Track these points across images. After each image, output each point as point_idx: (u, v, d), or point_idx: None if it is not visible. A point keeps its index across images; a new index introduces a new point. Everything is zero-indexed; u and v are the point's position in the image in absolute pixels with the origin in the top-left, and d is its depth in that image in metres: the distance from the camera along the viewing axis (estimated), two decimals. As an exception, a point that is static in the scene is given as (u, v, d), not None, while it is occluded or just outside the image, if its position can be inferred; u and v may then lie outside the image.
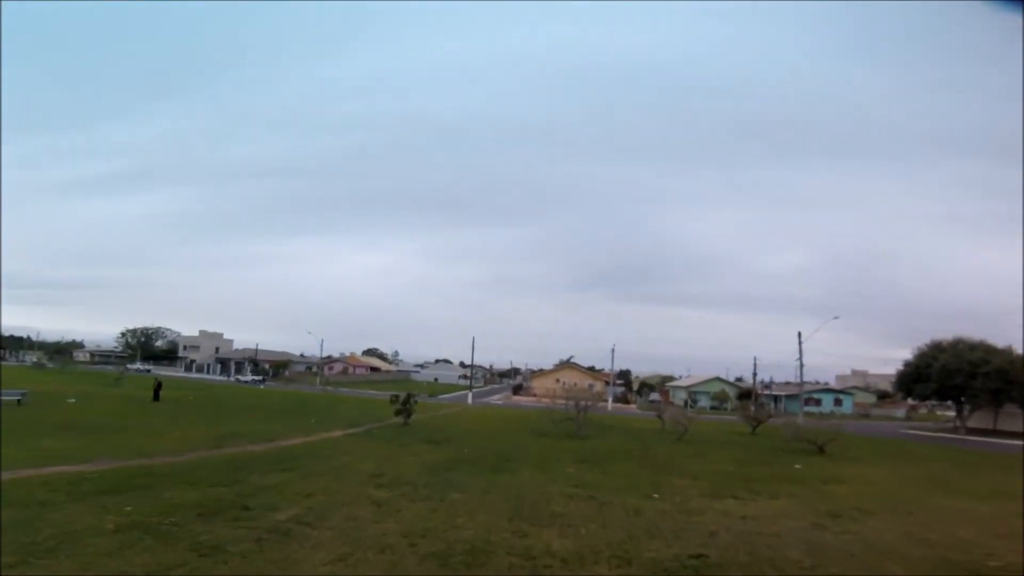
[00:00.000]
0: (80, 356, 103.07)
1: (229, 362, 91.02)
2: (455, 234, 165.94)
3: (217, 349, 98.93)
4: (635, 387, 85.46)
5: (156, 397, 32.87)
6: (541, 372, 70.39)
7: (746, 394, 63.48)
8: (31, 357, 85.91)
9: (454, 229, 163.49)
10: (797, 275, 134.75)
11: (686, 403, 61.03)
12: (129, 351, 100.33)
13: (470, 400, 47.04)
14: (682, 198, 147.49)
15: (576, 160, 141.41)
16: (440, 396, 56.72)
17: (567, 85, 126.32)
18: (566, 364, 68.37)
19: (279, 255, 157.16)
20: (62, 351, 79.62)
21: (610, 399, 55.59)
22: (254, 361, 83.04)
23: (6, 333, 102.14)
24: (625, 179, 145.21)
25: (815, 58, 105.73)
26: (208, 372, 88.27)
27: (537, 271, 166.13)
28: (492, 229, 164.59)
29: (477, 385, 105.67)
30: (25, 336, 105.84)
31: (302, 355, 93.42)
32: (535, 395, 60.42)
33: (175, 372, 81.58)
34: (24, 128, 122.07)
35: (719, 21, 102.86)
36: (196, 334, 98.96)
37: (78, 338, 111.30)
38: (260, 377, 71.01)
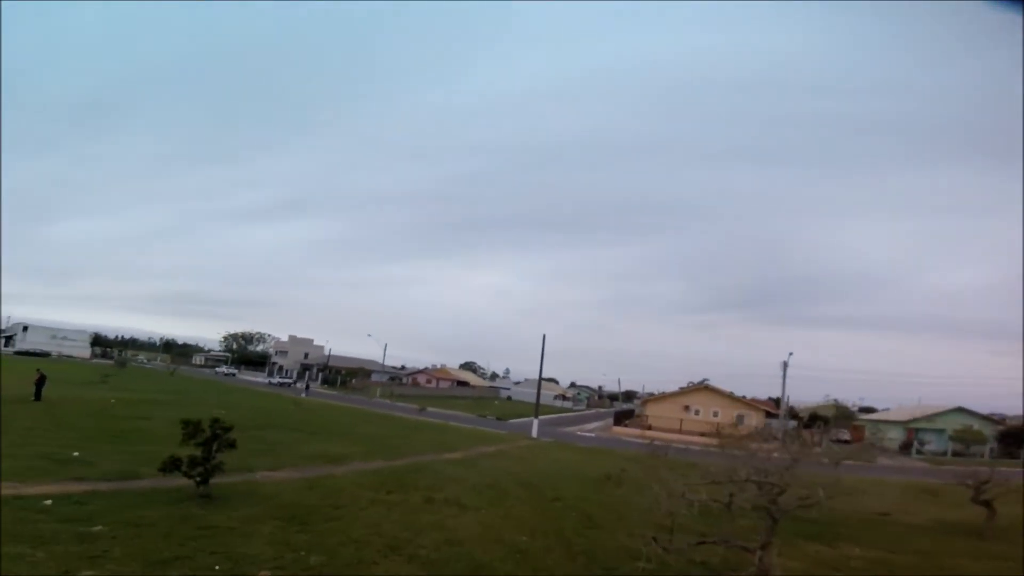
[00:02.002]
0: (196, 359, 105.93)
1: (312, 368, 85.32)
2: (572, 253, 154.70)
3: (306, 355, 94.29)
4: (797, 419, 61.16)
5: (38, 396, 21.64)
6: (660, 396, 50.21)
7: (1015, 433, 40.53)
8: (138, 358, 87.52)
9: (571, 248, 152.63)
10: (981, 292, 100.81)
11: (911, 446, 42.61)
12: (230, 354, 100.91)
13: (535, 431, 29.96)
14: (827, 208, 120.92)
15: (702, 172, 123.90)
16: (510, 420, 40.37)
17: (687, 94, 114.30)
18: (699, 386, 47.54)
19: (403, 277, 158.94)
20: (122, 354, 77.96)
21: (781, 437, 34.40)
22: (326, 368, 74.87)
23: (143, 337, 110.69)
24: (759, 190, 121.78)
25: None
26: (286, 376, 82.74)
27: (658, 291, 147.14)
28: (609, 248, 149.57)
29: (578, 408, 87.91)
30: (147, 339, 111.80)
31: (382, 365, 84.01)
32: (648, 427, 41.09)
33: (252, 376, 77.03)
34: (200, 161, 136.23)
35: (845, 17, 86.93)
36: (286, 339, 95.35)
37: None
38: (290, 380, 64.37)
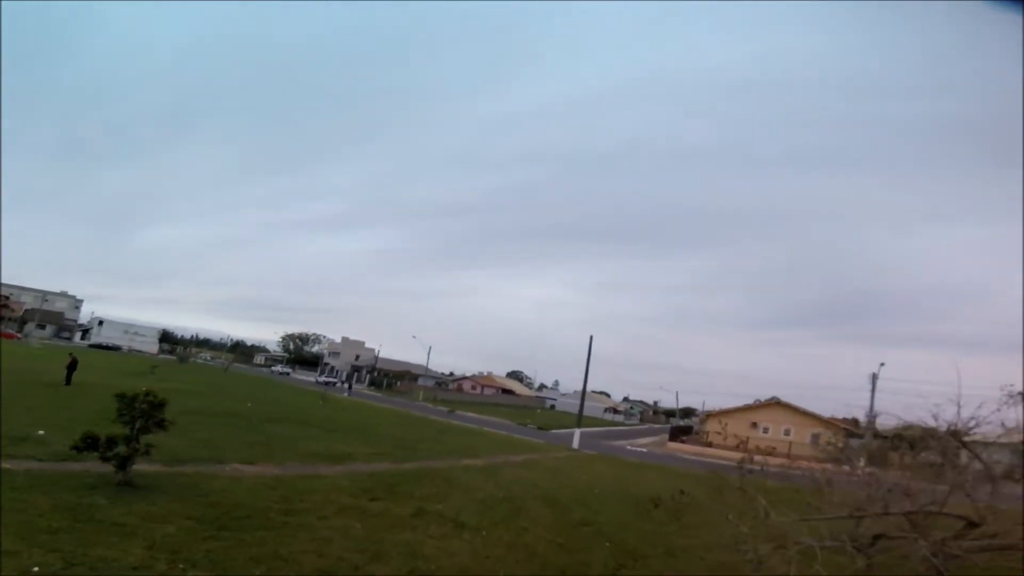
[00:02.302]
0: (258, 359, 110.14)
1: (361, 369, 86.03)
2: (624, 264, 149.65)
3: (357, 357, 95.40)
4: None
5: (68, 380, 21.25)
6: (723, 412, 45.31)
7: None
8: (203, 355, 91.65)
9: (623, 259, 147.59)
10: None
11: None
12: (287, 354, 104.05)
13: (576, 443, 26.68)
14: (911, 215, 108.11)
15: (762, 180, 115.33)
16: (551, 430, 37.31)
17: (748, 96, 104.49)
18: (769, 402, 42.42)
19: (453, 286, 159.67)
20: (185, 350, 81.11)
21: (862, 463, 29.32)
22: (373, 370, 74.78)
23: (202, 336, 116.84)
24: (835, 197, 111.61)
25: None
26: (331, 376, 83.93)
27: (717, 305, 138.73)
28: (664, 260, 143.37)
29: (630, 423, 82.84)
30: (219, 339, 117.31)
31: (426, 368, 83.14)
32: (709, 443, 36.75)
33: (305, 376, 78.30)
34: (268, 173, 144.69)
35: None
36: (339, 340, 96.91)
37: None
38: (335, 380, 64.04)
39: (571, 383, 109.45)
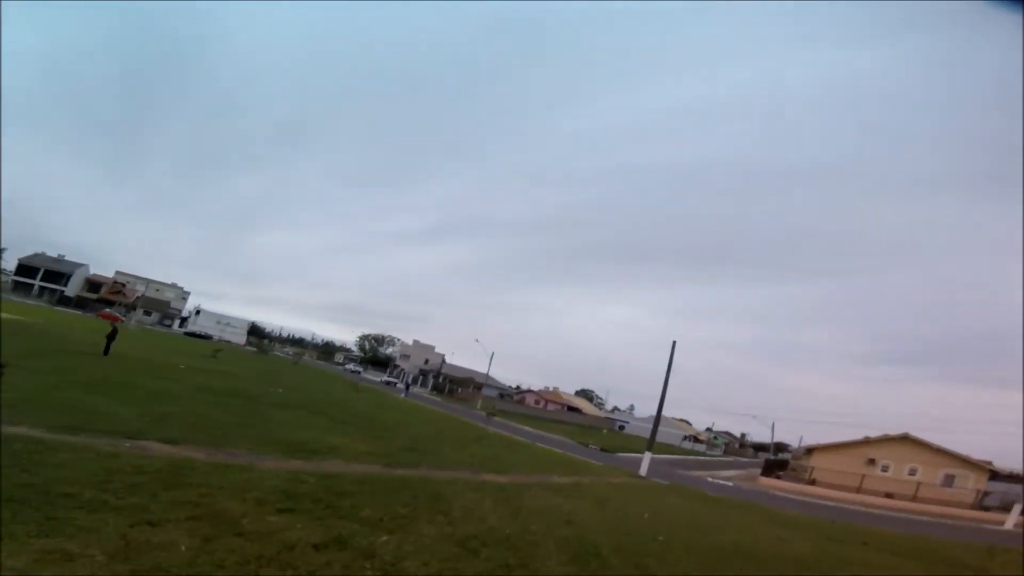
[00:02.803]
0: (338, 358, 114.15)
1: (428, 374, 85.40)
2: (711, 290, 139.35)
3: (426, 361, 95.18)
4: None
5: (106, 350, 20.58)
6: (831, 446, 37.45)
7: None
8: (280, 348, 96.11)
9: (710, 285, 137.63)
10: None
11: None
12: (362, 354, 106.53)
13: (644, 469, 21.71)
14: None
15: (880, 203, 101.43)
16: (617, 453, 32.46)
17: (870, 110, 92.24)
18: (894, 437, 34.28)
19: (529, 303, 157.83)
20: (267, 342, 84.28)
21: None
22: (438, 375, 73.40)
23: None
24: (956, 226, 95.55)
25: None
26: (392, 376, 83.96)
27: (817, 338, 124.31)
28: (757, 287, 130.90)
29: (712, 454, 74.06)
30: (311, 338, 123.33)
31: (487, 377, 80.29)
32: (812, 481, 30.06)
33: (375, 376, 78.99)
34: (369, 185, 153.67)
35: None
36: (410, 343, 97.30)
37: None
38: (395, 380, 63.88)
39: (647, 408, 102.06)
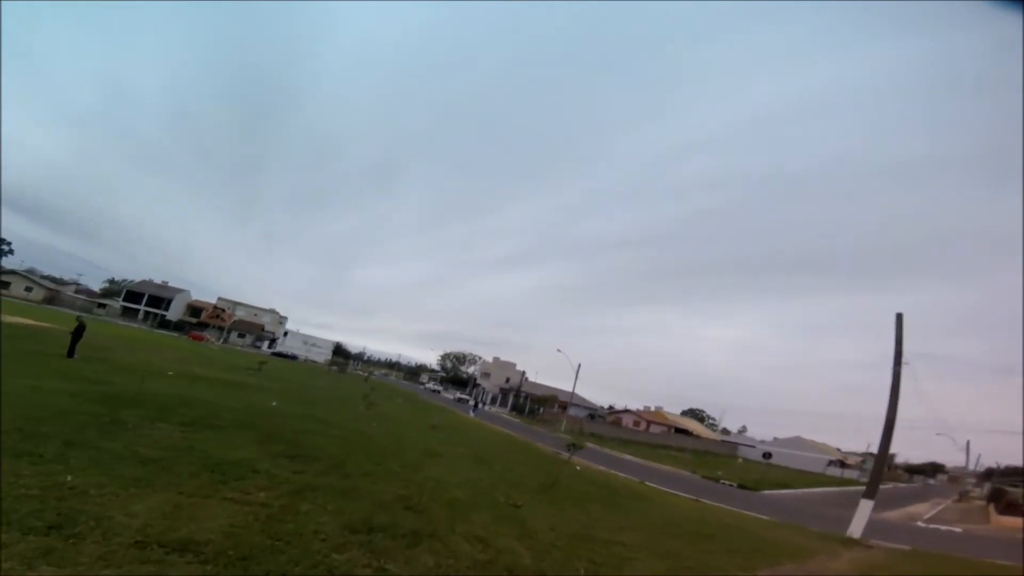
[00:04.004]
0: (423, 378, 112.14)
1: (509, 392, 79.25)
2: (837, 301, 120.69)
3: (507, 379, 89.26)
4: None
5: (71, 353, 16.37)
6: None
7: None
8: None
9: (835, 295, 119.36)
10: None
11: None
12: (444, 373, 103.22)
13: (856, 529, 12.79)
14: None
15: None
16: (763, 491, 23.11)
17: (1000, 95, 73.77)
18: None
19: (624, 323, 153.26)
20: (347, 362, 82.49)
21: None
22: (518, 393, 66.69)
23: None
24: None
25: None
26: (466, 394, 78.42)
27: (973, 348, 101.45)
28: (886, 295, 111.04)
29: (863, 481, 59.18)
30: (406, 363, 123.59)
31: (573, 393, 71.93)
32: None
33: (451, 394, 74.28)
34: (455, 217, 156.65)
35: None
36: (491, 361, 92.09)
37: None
38: (468, 398, 57.90)
39: (761, 430, 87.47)
